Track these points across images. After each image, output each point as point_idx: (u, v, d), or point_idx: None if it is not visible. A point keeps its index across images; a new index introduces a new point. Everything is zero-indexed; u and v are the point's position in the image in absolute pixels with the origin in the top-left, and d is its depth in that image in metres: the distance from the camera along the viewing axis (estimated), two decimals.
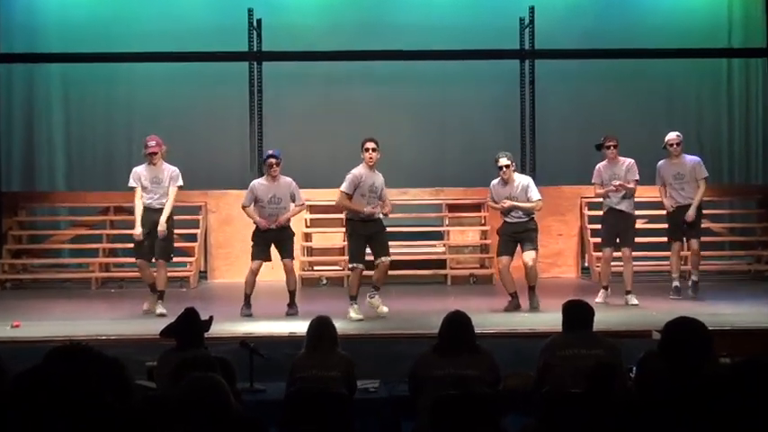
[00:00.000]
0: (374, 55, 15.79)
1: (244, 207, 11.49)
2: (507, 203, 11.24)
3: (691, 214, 11.99)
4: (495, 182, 11.54)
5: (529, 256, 11.25)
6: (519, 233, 11.33)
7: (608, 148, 11.85)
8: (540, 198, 11.35)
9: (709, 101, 16.92)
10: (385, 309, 10.85)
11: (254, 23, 15.42)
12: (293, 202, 11.54)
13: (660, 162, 12.25)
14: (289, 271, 11.34)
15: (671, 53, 15.93)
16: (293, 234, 11.61)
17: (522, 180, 11.48)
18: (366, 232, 10.97)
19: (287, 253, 11.41)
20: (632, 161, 11.87)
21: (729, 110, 16.90)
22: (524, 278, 11.32)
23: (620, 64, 16.26)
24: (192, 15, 16.30)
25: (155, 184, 11.29)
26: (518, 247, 11.44)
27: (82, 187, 16.22)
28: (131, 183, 11.37)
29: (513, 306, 11.26)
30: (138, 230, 11.29)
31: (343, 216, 14.26)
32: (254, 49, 15.49)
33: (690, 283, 12.21)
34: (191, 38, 15.80)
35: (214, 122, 16.34)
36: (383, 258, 10.96)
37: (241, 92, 15.57)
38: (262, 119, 15.47)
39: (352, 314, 10.67)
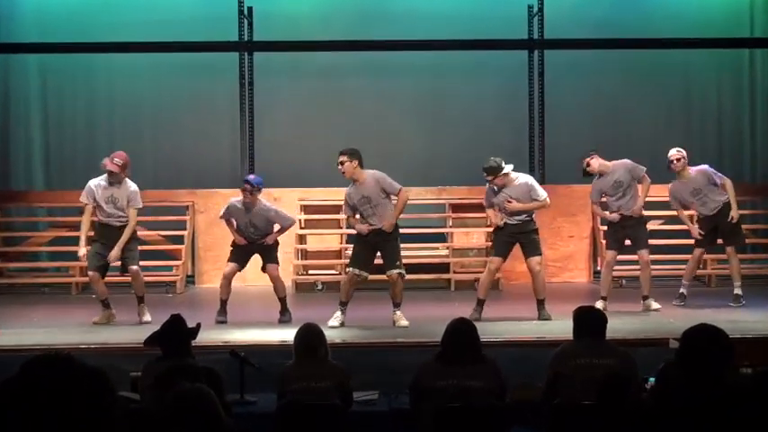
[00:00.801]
0: (372, 45, 15.78)
1: (225, 221, 11.56)
2: (514, 206, 11.20)
3: (734, 215, 11.99)
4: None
5: (535, 261, 11.23)
6: (517, 234, 11.30)
7: (588, 165, 11.78)
8: (545, 195, 11.36)
9: (729, 94, 16.90)
10: (405, 322, 10.80)
11: (245, 12, 15.43)
12: (276, 224, 11.51)
13: (671, 186, 12.18)
14: (275, 278, 11.32)
15: (689, 43, 15.91)
16: (277, 242, 11.57)
17: (523, 178, 11.46)
18: (372, 241, 10.98)
19: (270, 258, 11.38)
20: (630, 162, 11.84)
21: (751, 103, 16.88)
22: (532, 288, 11.29)
23: (635, 55, 16.26)
24: (178, 2, 16.29)
25: (109, 204, 11.14)
26: (515, 250, 11.42)
27: (61, 186, 16.19)
28: (83, 198, 11.24)
29: (478, 314, 11.05)
30: (82, 251, 11.22)
31: (339, 217, 14.36)
32: (245, 39, 15.49)
33: (733, 295, 12.13)
34: (177, 27, 15.78)
35: (202, 117, 16.32)
36: (390, 272, 10.93)
37: (231, 84, 15.57)
38: (253, 113, 15.47)
39: (331, 320, 10.65)
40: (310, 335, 7.07)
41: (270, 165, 15.34)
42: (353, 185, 10.99)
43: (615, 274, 13.58)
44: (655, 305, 11.62)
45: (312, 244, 15.16)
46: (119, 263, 11.24)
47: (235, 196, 11.80)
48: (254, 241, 11.33)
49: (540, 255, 11.35)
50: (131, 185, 11.27)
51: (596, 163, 11.79)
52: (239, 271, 11.45)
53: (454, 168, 16.01)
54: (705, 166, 12.30)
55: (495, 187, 11.29)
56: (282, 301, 11.33)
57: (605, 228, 14.53)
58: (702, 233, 12.08)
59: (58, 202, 15.76)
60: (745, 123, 16.85)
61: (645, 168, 11.87)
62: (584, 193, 14.85)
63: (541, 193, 11.31)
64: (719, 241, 12.30)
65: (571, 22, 15.86)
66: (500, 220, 11.29)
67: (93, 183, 11.27)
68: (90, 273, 11.31)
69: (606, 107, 16.36)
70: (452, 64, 16.21)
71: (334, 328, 10.52)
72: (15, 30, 16.24)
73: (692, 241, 12.43)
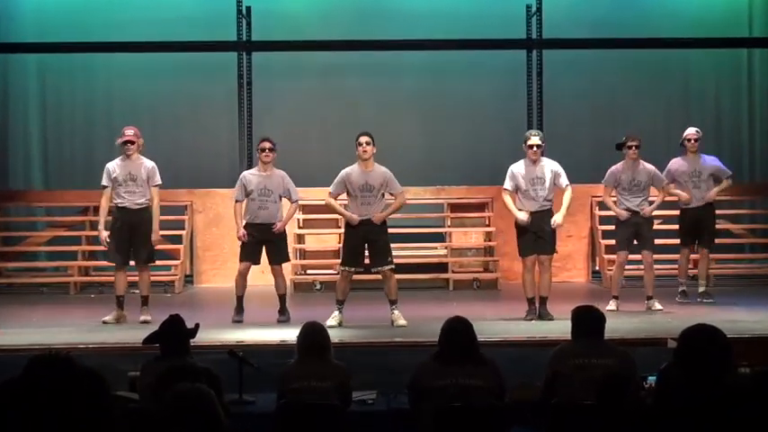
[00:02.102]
0: (371, 44, 15.78)
1: (236, 202, 11.42)
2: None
3: (712, 195, 12.20)
4: (518, 166, 11.38)
5: (546, 258, 11.26)
6: (540, 226, 11.19)
7: (629, 147, 11.77)
8: (568, 183, 11.35)
9: (728, 93, 16.92)
10: (403, 321, 10.79)
11: (243, 11, 15.42)
12: (287, 198, 11.49)
13: (675, 160, 12.29)
14: (278, 275, 11.31)
15: (688, 43, 15.92)
16: (285, 236, 11.56)
17: (550, 164, 11.36)
18: (362, 234, 10.94)
19: (278, 257, 11.34)
20: (655, 168, 11.88)
21: (750, 103, 16.91)
22: (537, 285, 11.26)
23: (634, 54, 16.26)
24: (176, 2, 16.29)
25: (130, 181, 11.10)
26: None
27: (59, 185, 16.21)
28: (104, 181, 11.20)
29: (533, 314, 11.15)
30: (103, 234, 11.15)
31: (337, 217, 14.35)
32: (243, 39, 15.48)
33: (699, 293, 12.37)
34: (175, 26, 15.79)
35: (200, 117, 16.34)
36: (383, 268, 10.90)
37: (229, 84, 15.57)
38: (251, 113, 15.46)
39: (329, 320, 10.62)
40: (314, 334, 7.05)
41: None
42: (360, 170, 10.95)
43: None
44: (657, 306, 11.65)
45: (310, 244, 15.17)
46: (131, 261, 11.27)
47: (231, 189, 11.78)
48: (264, 209, 11.24)
49: (554, 253, 11.39)
50: (149, 161, 11.27)
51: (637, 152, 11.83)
52: (255, 264, 11.42)
53: (453, 168, 16.03)
54: (716, 158, 12.46)
55: (533, 159, 11.19)
56: (282, 298, 11.31)
57: (603, 228, 14.59)
58: (691, 206, 12.25)
59: (56, 202, 15.78)
60: (744, 123, 16.87)
61: (666, 181, 11.93)
62: (581, 193, 14.91)
63: (566, 180, 11.33)
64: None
65: (569, 22, 15.88)
66: (525, 216, 11.14)
67: (110, 164, 11.29)
68: (116, 266, 11.28)
69: (604, 106, 16.38)
70: (451, 63, 16.22)
71: (333, 327, 10.51)
72: (14, 29, 16.24)
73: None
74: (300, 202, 14.74)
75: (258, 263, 11.46)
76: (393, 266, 10.96)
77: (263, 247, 11.36)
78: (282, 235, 11.47)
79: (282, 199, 11.50)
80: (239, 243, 11.43)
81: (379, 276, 11.04)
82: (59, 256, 15.46)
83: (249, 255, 11.31)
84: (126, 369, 7.62)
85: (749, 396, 4.51)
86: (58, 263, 15.49)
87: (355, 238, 10.98)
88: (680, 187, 12.23)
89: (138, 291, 11.49)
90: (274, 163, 11.48)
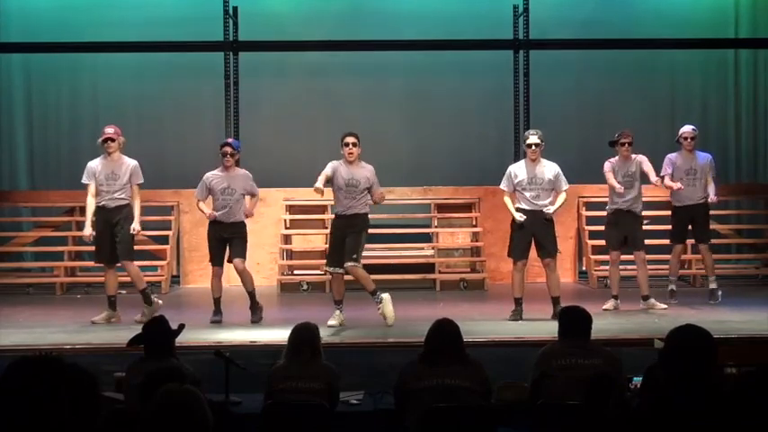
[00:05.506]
0: (358, 45, 15.78)
1: (198, 200, 11.39)
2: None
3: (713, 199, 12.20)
4: (517, 166, 11.37)
5: (551, 261, 11.21)
6: (536, 227, 11.14)
7: (623, 145, 11.81)
8: (567, 188, 11.32)
9: (714, 94, 16.96)
10: (334, 321, 10.71)
11: (230, 11, 15.39)
12: (249, 195, 11.43)
13: (672, 155, 12.32)
14: (241, 271, 11.19)
15: (675, 44, 15.96)
16: (246, 234, 11.40)
17: (550, 166, 11.30)
18: (341, 231, 10.93)
19: (237, 252, 11.21)
20: (644, 157, 11.89)
21: (736, 104, 16.95)
22: (547, 287, 11.25)
23: (621, 55, 16.29)
24: (163, 2, 16.26)
25: (110, 180, 11.05)
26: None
27: (45, 186, 16.17)
28: (84, 179, 11.15)
29: (518, 314, 11.15)
30: (87, 231, 11.11)
31: (324, 217, 14.38)
32: (230, 39, 15.45)
33: (709, 290, 12.41)
34: (162, 26, 15.76)
35: (187, 117, 16.31)
36: (345, 265, 10.81)
37: (216, 84, 15.53)
38: (238, 113, 15.43)
39: (330, 320, 10.64)
40: (306, 334, 7.04)
41: (255, 164, 15.34)
42: (345, 164, 10.93)
43: (601, 274, 13.67)
44: (660, 305, 11.68)
45: (297, 244, 15.14)
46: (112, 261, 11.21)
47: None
48: (227, 207, 11.19)
49: (556, 253, 11.36)
50: (131, 160, 11.21)
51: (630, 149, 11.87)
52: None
53: (440, 168, 16.04)
54: (710, 156, 12.53)
55: (532, 158, 11.17)
56: (251, 295, 11.22)
57: (590, 228, 14.62)
58: (682, 204, 12.27)
59: (42, 202, 15.73)
60: (730, 123, 16.91)
61: (658, 179, 11.91)
62: (569, 194, 14.82)
63: (565, 183, 11.28)
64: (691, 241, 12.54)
65: (556, 22, 15.90)
66: (523, 218, 11.05)
67: (92, 162, 11.22)
68: (105, 267, 11.20)
69: (591, 106, 16.40)
70: (438, 64, 16.22)
71: (334, 327, 10.52)
72: None
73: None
74: (287, 203, 14.86)
75: (223, 263, 11.40)
76: (355, 264, 10.79)
77: (227, 246, 11.30)
78: (244, 234, 11.37)
79: (245, 197, 11.42)
80: (208, 246, 11.33)
81: (375, 276, 10.98)
82: (45, 257, 15.43)
83: (220, 258, 11.25)
84: (112, 370, 7.61)
85: (734, 396, 4.53)
86: (44, 263, 15.45)
87: (337, 235, 10.97)
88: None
89: (124, 291, 11.44)
90: (234, 165, 11.42)
